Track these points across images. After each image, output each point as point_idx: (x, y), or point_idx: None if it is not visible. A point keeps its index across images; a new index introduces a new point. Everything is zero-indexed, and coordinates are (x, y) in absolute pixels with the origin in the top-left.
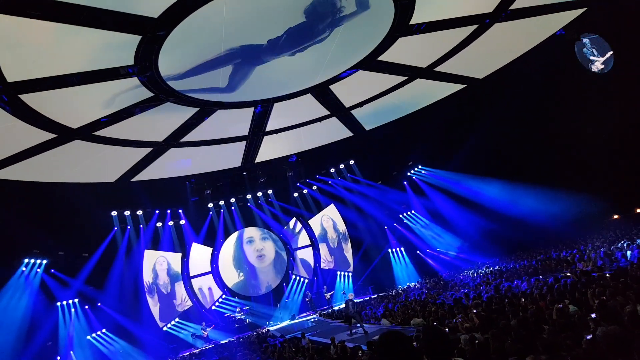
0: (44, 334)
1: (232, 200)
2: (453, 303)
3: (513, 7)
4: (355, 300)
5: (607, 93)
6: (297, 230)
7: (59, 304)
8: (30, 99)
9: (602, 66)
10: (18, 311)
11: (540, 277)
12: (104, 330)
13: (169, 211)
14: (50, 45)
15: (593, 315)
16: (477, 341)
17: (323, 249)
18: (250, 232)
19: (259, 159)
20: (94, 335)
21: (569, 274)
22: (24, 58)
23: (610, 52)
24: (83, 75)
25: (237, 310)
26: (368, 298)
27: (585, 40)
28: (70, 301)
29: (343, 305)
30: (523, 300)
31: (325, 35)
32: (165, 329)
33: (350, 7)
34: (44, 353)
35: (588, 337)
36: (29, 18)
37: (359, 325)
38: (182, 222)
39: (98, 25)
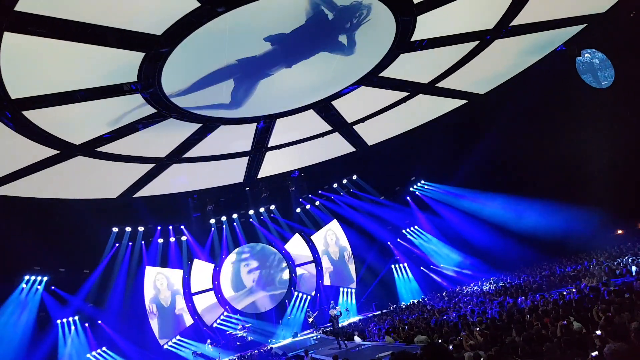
0: (43, 352)
1: (235, 216)
2: (457, 320)
3: (513, 23)
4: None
5: (609, 108)
6: (299, 246)
7: (58, 321)
8: (34, 116)
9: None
10: (17, 328)
11: (545, 293)
12: (104, 349)
13: (171, 227)
14: (54, 63)
15: (598, 332)
16: (481, 359)
17: (325, 265)
18: (253, 252)
19: (261, 175)
20: (93, 353)
21: (573, 290)
22: (27, 75)
23: (611, 67)
24: (86, 92)
25: (239, 327)
26: (372, 315)
27: (586, 55)
28: (70, 319)
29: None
30: (528, 317)
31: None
32: (165, 347)
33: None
34: None
35: (594, 355)
36: (33, 36)
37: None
38: (184, 238)
39: (102, 42)
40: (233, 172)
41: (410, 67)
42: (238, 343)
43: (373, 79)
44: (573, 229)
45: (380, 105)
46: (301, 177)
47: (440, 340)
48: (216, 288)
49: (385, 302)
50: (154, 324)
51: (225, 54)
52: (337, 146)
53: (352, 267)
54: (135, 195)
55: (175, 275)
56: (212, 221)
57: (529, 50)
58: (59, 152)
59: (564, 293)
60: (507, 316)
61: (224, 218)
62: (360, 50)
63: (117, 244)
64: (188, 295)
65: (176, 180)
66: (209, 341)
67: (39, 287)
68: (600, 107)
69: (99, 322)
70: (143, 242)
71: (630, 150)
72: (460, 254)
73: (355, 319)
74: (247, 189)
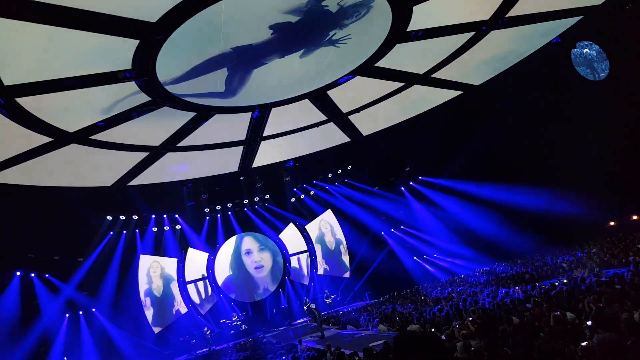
0: (37, 339)
1: (229, 205)
2: (450, 309)
3: (509, 14)
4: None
5: (603, 100)
6: (293, 235)
7: (52, 309)
8: (28, 103)
9: (598, 73)
10: (11, 316)
11: (537, 283)
12: (98, 336)
13: (165, 216)
14: (47, 49)
15: (589, 323)
16: (472, 348)
17: (319, 254)
18: (248, 243)
19: (256, 164)
20: (87, 340)
21: (565, 281)
22: (21, 62)
23: (606, 59)
24: (80, 79)
25: (234, 316)
26: (365, 304)
27: (583, 47)
28: (64, 306)
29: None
30: (519, 307)
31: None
32: (159, 334)
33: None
34: (37, 359)
35: (584, 344)
36: (26, 21)
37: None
38: (179, 227)
39: (96, 29)
40: (228, 162)
41: (406, 57)
42: (232, 332)
43: (369, 69)
44: (565, 220)
45: (375, 95)
46: (296, 167)
47: (432, 330)
48: (210, 277)
49: (379, 292)
50: (148, 312)
51: (220, 42)
52: (332, 136)
53: (346, 257)
54: (129, 184)
55: (169, 264)
56: (207, 210)
57: (525, 41)
58: (52, 139)
59: (555, 284)
60: (499, 306)
61: (218, 207)
62: (356, 40)
63: (111, 232)
64: (182, 284)
65: (176, 168)
66: (206, 329)
67: (32, 275)
68: (595, 99)
69: (93, 309)
70: (137, 230)
71: (625, 143)
72: (454, 244)
73: (349, 308)
74: (241, 178)
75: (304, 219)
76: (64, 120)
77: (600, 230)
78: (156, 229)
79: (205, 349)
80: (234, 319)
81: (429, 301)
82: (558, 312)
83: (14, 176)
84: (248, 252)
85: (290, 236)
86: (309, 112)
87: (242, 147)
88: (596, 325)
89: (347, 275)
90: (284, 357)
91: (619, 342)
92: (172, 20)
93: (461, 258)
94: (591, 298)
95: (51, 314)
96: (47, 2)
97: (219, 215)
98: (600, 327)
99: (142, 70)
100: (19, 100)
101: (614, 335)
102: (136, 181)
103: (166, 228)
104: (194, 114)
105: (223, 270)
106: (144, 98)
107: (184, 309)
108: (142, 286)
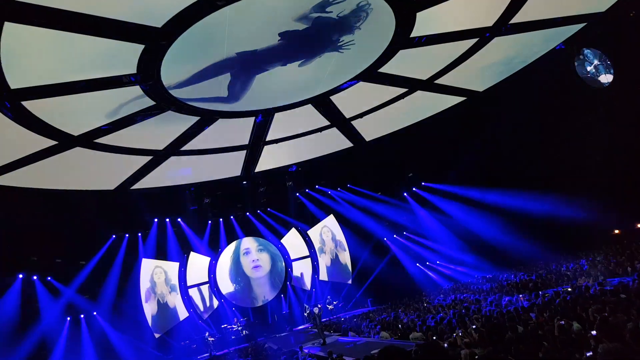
0: (36, 342)
1: (231, 209)
2: (453, 317)
3: (513, 21)
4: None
5: (607, 107)
6: (295, 241)
7: (53, 312)
8: (33, 106)
9: (602, 80)
10: (11, 318)
11: (541, 292)
12: (99, 340)
13: (167, 220)
14: (54, 53)
15: (594, 333)
16: (476, 357)
17: (321, 260)
18: (247, 243)
19: (258, 169)
20: (88, 344)
21: (569, 289)
22: (27, 65)
23: (610, 67)
24: (85, 83)
25: (235, 321)
26: (367, 311)
27: (586, 54)
28: (66, 309)
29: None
30: (523, 315)
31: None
32: (160, 339)
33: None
34: None
35: (588, 354)
36: (34, 26)
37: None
38: (180, 231)
39: (103, 34)
40: (230, 166)
41: (409, 63)
42: (233, 337)
43: (372, 74)
44: (569, 227)
45: (378, 101)
46: (298, 172)
47: (435, 338)
48: (212, 281)
49: (381, 299)
50: (149, 316)
51: (224, 47)
52: (335, 141)
53: (348, 263)
54: (132, 187)
55: (171, 268)
56: (209, 214)
57: (528, 48)
58: (57, 142)
59: (560, 292)
60: (503, 314)
61: (220, 211)
62: (360, 46)
63: (114, 236)
64: (184, 288)
65: (180, 172)
66: (207, 334)
67: (34, 277)
68: (599, 106)
69: (94, 313)
70: (140, 234)
71: (629, 151)
72: (457, 251)
73: (350, 315)
74: (244, 182)
75: (306, 224)
76: (68, 123)
77: (605, 238)
78: (158, 233)
79: (206, 354)
80: (235, 324)
81: (432, 308)
82: (562, 321)
83: (18, 179)
84: (247, 252)
85: (292, 241)
86: (312, 117)
87: (245, 151)
88: (601, 335)
89: (349, 281)
90: None
91: (624, 352)
92: (177, 25)
93: (464, 265)
94: (595, 307)
95: (52, 317)
96: (53, 7)
97: (221, 219)
98: (605, 336)
99: (146, 74)
100: (25, 103)
101: (618, 345)
102: (139, 185)
103: (168, 232)
104: (197, 118)
105: (225, 275)
106: (148, 102)
107: (185, 314)
108: (144, 290)
